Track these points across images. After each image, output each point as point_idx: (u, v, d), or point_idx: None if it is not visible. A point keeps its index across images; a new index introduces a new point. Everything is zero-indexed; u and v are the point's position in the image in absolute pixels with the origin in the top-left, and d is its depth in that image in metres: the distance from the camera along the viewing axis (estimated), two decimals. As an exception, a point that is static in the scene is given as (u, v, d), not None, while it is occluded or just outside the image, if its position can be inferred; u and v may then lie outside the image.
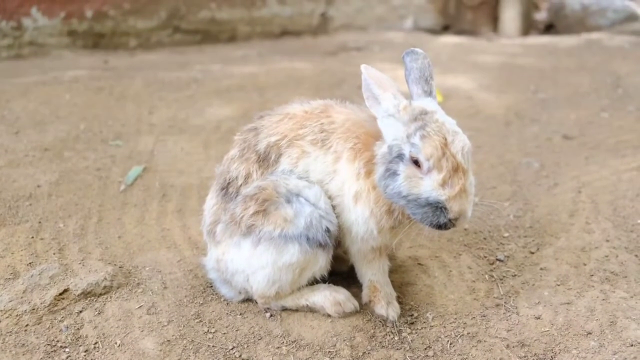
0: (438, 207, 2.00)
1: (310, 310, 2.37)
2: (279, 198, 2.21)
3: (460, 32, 8.21)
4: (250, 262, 2.27)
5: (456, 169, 1.99)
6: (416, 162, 2.02)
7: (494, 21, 8.36)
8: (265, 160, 2.31)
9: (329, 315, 2.34)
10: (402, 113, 2.08)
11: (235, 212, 2.26)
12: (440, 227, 2.03)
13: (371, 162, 2.18)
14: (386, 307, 2.35)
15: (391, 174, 2.07)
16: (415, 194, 2.02)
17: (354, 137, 2.23)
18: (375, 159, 2.16)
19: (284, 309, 2.38)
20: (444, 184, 1.99)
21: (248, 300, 2.43)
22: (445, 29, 8.43)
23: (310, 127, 2.30)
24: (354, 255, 2.37)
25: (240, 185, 2.32)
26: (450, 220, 2.00)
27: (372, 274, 2.38)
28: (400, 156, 2.05)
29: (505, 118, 4.57)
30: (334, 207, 2.26)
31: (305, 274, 2.30)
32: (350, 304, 2.36)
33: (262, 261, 2.25)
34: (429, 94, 2.18)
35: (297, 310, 2.37)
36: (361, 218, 2.21)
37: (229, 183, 2.35)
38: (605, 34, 7.55)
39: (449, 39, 7.57)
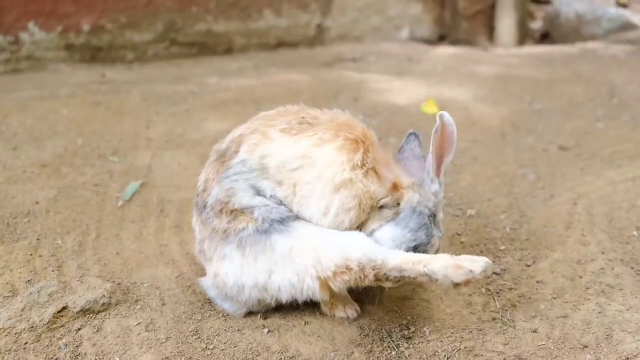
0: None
1: (430, 280, 2.08)
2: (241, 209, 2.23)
3: (456, 42, 8.25)
4: (247, 270, 2.22)
5: None
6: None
7: (490, 31, 8.40)
8: (224, 156, 2.29)
9: (452, 285, 2.07)
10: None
11: (215, 225, 2.26)
12: None
13: (374, 167, 2.26)
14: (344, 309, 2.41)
15: (437, 220, 2.41)
16: (425, 243, 2.34)
17: (360, 133, 2.24)
18: (415, 185, 2.36)
19: (401, 277, 2.12)
20: None
21: (248, 315, 2.43)
22: (442, 39, 8.47)
23: (284, 120, 2.27)
24: None
25: (203, 191, 2.32)
26: None
27: None
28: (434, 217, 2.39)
29: (502, 129, 4.60)
30: (293, 195, 2.22)
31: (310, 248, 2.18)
32: (481, 262, 2.05)
33: (259, 267, 2.21)
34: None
35: (415, 278, 2.10)
36: (336, 208, 2.20)
37: (197, 195, 2.39)
38: (600, 43, 7.58)
39: (445, 50, 7.60)
